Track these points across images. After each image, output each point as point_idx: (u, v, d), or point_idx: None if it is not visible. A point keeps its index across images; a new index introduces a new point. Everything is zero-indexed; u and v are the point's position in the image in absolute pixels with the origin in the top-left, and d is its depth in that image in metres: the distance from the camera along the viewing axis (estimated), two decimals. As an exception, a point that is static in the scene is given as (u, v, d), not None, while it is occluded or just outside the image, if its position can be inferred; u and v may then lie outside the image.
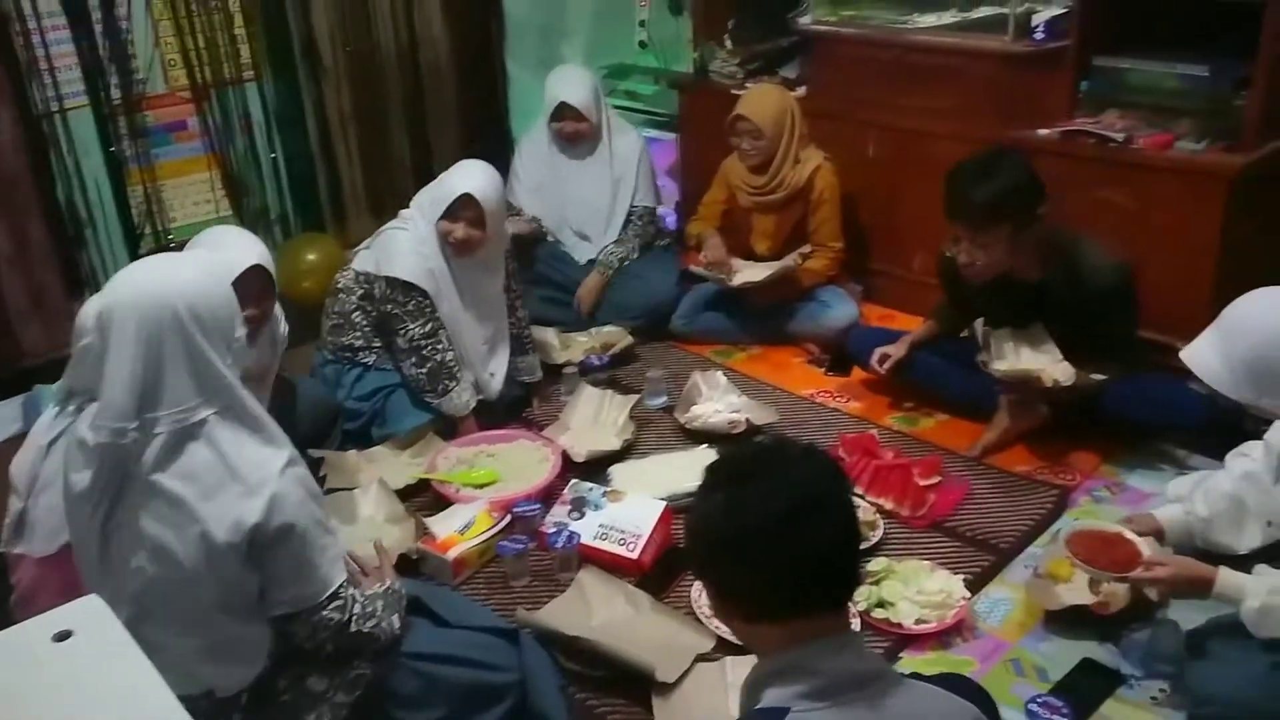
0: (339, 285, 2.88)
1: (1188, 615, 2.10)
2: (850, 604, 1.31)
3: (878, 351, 2.99)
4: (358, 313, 2.83)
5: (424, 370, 2.77)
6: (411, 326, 2.76)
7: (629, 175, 3.57)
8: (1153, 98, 2.98)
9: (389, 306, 2.77)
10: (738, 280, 3.31)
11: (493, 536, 2.42)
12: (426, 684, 1.78)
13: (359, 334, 2.85)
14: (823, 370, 3.30)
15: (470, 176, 2.78)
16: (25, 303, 3.22)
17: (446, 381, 2.79)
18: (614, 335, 3.37)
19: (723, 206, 3.52)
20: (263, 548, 1.55)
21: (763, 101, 3.33)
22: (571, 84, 3.49)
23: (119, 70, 3.31)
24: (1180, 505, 2.18)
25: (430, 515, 2.49)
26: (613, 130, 3.57)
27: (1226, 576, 1.86)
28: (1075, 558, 2.07)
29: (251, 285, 2.19)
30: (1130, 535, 2.09)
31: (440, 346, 2.77)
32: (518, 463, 2.71)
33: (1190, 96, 2.91)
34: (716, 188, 3.54)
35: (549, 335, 3.33)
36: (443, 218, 2.76)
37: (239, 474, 1.53)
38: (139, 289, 1.54)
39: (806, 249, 3.29)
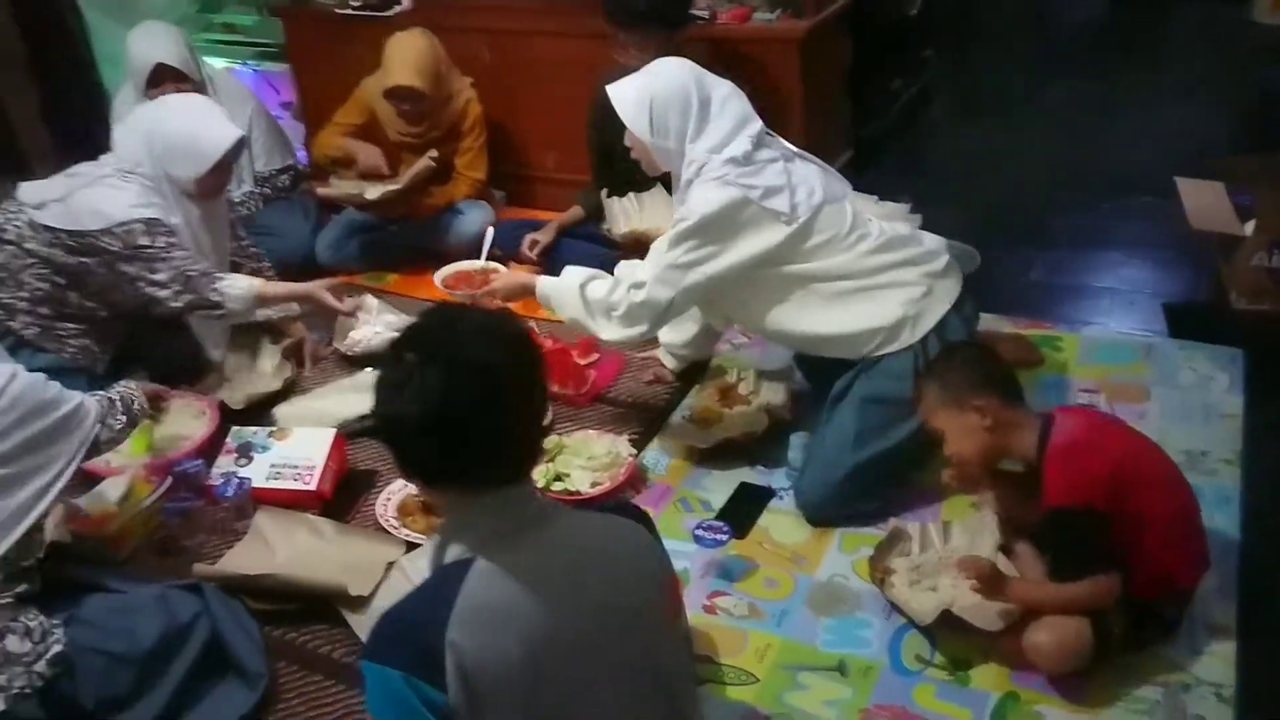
0: (7, 236, 2.47)
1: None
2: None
3: (527, 238, 3.09)
4: (29, 272, 2.48)
5: (187, 294, 2.47)
6: (161, 272, 2.45)
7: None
8: (726, -24, 3.25)
9: (128, 265, 2.44)
10: (373, 193, 3.26)
11: (155, 502, 2.29)
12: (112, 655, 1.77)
13: (25, 296, 2.49)
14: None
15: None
16: None
17: (213, 284, 2.49)
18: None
19: (356, 129, 3.37)
20: None
21: (416, 61, 3.14)
22: (162, 43, 3.12)
23: None
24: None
25: (78, 496, 2.31)
26: (219, 92, 3.23)
27: (543, 279, 2.35)
28: (445, 288, 2.77)
29: None
30: (502, 269, 2.77)
31: (197, 265, 2.50)
32: (170, 423, 2.55)
33: (756, -29, 3.21)
34: (354, 110, 3.36)
35: None
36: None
37: None
38: None
39: (434, 152, 3.28)
